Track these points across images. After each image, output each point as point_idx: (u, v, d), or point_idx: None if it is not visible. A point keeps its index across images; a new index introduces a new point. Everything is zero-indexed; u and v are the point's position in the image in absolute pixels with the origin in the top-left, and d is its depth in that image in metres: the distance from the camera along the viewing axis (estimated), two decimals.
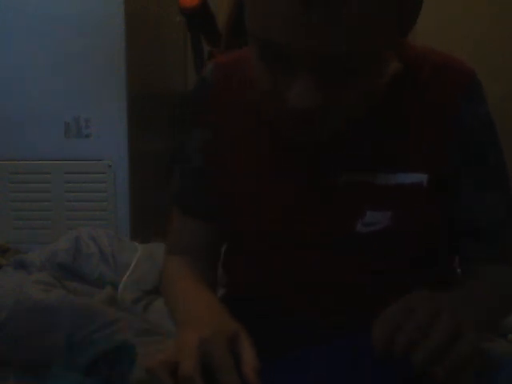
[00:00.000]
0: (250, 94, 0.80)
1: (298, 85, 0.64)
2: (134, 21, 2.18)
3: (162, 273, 0.94)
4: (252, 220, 0.83)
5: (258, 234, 0.84)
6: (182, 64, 3.00)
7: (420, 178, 0.75)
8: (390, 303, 0.71)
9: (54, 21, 2.10)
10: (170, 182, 0.94)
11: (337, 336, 0.69)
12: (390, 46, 0.69)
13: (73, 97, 2.13)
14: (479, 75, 0.78)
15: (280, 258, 0.84)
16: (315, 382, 0.66)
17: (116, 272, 1.62)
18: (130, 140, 2.17)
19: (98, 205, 2.17)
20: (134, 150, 2.20)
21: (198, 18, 2.23)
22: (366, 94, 0.68)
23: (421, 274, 0.82)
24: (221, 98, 0.85)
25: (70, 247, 1.68)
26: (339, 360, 0.67)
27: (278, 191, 0.80)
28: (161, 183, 2.61)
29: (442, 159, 0.76)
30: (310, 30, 0.59)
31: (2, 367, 1.26)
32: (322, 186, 0.78)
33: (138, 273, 1.59)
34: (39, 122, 2.14)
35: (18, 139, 2.15)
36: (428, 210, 0.76)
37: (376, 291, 0.82)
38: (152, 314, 1.40)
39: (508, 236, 0.82)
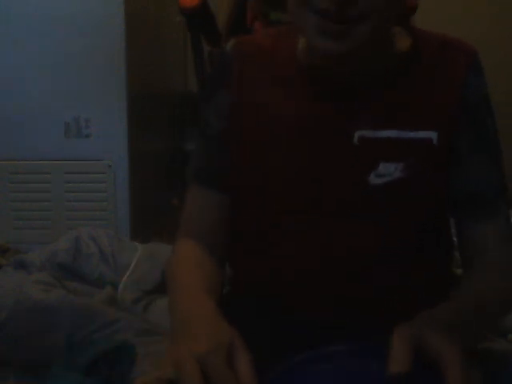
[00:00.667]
0: (270, 63, 0.86)
1: None
2: (134, 21, 2.18)
3: (171, 256, 0.92)
4: (265, 187, 0.85)
5: (266, 209, 0.85)
6: (182, 64, 3.00)
7: (430, 134, 0.80)
8: (391, 307, 0.71)
9: (54, 21, 2.10)
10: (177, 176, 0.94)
11: (338, 337, 0.68)
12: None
13: (73, 97, 2.13)
14: None
15: (281, 255, 0.84)
16: None
17: (116, 272, 1.62)
18: (130, 140, 2.17)
19: (98, 205, 2.17)
20: (134, 150, 2.20)
21: (197, 18, 2.23)
22: (380, 34, 0.76)
23: (422, 263, 0.84)
24: (241, 69, 0.88)
25: (70, 247, 1.68)
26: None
27: (295, 154, 0.84)
28: (161, 183, 2.62)
29: (449, 125, 0.81)
30: None
31: (2, 367, 1.26)
32: (339, 145, 0.82)
33: (138, 273, 1.59)
34: (39, 122, 2.14)
35: (18, 139, 2.15)
36: (438, 169, 0.81)
37: (379, 294, 0.82)
38: (152, 314, 1.40)
39: (502, 205, 0.85)
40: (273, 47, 0.88)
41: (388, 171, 0.80)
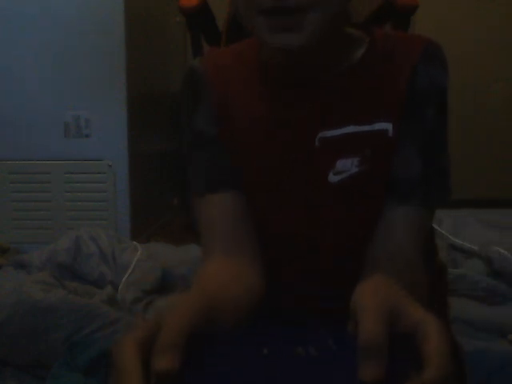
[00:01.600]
0: (240, 67, 0.86)
1: None
2: (134, 21, 2.19)
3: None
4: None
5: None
6: (182, 64, 3.00)
7: (386, 126, 0.82)
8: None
9: (54, 21, 2.10)
10: (188, 171, 0.91)
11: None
12: None
13: (73, 97, 2.13)
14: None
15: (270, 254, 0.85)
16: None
17: (116, 272, 1.62)
18: (130, 140, 2.17)
19: (98, 205, 2.17)
20: (134, 150, 2.21)
21: (197, 18, 2.24)
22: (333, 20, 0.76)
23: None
24: (212, 78, 0.87)
25: (70, 247, 1.68)
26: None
27: (264, 160, 0.84)
28: (161, 183, 2.62)
29: (400, 114, 0.82)
30: None
31: (2, 367, 1.26)
32: (301, 149, 0.83)
33: (138, 273, 1.59)
34: (39, 122, 2.15)
35: (18, 139, 2.16)
36: (393, 160, 0.82)
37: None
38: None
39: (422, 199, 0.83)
40: (239, 56, 0.88)
41: (345, 167, 0.81)
